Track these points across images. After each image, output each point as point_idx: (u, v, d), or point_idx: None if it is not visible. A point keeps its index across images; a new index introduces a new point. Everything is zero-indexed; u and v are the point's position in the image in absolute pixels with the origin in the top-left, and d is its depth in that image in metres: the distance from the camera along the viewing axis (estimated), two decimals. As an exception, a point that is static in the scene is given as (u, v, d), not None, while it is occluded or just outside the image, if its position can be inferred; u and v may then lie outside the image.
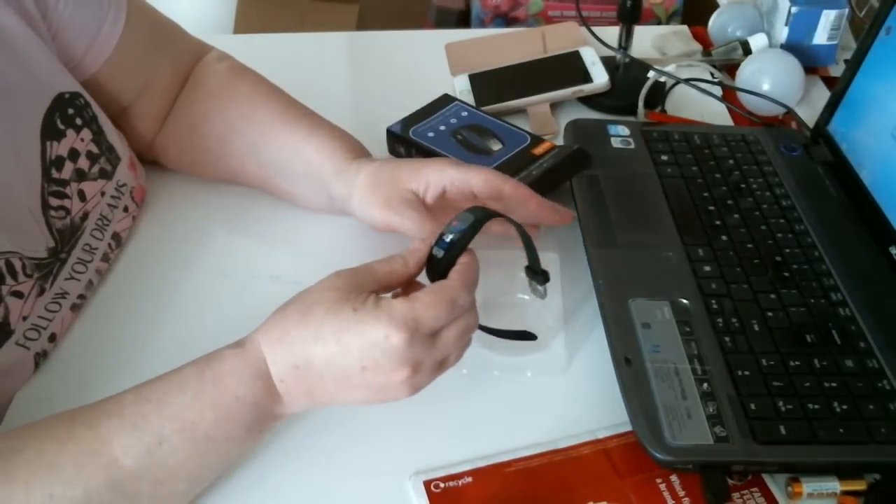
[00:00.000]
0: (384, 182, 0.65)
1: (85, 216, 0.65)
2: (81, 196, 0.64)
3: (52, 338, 0.61)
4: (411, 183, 0.64)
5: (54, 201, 0.62)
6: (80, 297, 0.65)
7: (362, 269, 0.52)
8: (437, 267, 0.53)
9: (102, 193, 0.67)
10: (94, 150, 0.66)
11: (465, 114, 0.82)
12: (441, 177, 0.63)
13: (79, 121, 0.64)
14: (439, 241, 0.53)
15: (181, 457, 0.48)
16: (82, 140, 0.64)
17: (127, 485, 0.47)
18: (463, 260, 0.52)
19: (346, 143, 0.70)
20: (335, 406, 0.53)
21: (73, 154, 0.63)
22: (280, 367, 0.49)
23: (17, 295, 0.57)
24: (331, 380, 0.49)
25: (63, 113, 0.63)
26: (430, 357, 0.50)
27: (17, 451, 0.46)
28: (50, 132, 0.62)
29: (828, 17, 0.92)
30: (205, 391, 0.49)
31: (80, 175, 0.64)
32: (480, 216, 0.53)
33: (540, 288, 0.58)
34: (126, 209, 0.70)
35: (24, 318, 0.58)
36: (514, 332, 0.59)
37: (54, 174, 0.62)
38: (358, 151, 0.70)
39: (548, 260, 0.67)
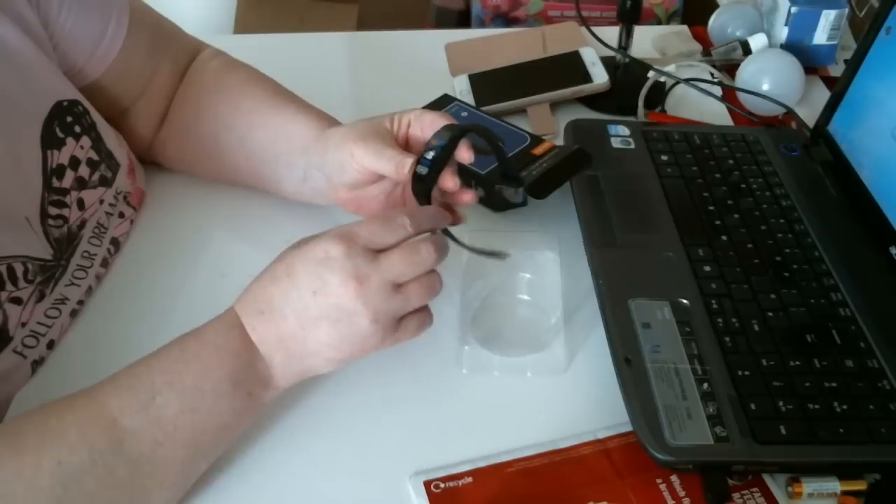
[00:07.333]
0: (362, 122, 0.64)
1: (82, 224, 0.65)
2: (80, 205, 0.64)
3: (51, 345, 0.61)
4: (385, 121, 0.64)
5: (53, 210, 0.61)
6: (80, 302, 0.65)
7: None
8: (424, 182, 0.56)
9: (101, 202, 0.67)
10: (94, 157, 0.66)
11: (465, 114, 0.82)
12: (411, 113, 0.63)
13: (77, 128, 0.64)
14: (421, 159, 0.56)
15: (173, 411, 0.49)
16: (82, 147, 0.64)
17: (127, 444, 0.48)
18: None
19: (332, 120, 0.70)
20: (315, 367, 0.54)
21: (74, 162, 0.63)
22: (249, 315, 0.52)
23: (16, 301, 0.57)
24: (293, 316, 0.52)
25: (62, 121, 0.63)
26: (376, 273, 0.51)
27: (22, 426, 0.48)
28: (50, 141, 0.62)
29: (828, 17, 0.92)
30: (187, 346, 0.52)
31: (81, 183, 0.64)
32: (457, 132, 0.57)
33: (515, 192, 0.59)
34: (122, 215, 0.70)
35: (23, 325, 0.58)
36: (488, 251, 0.59)
37: (55, 183, 0.62)
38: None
39: (548, 260, 0.67)
